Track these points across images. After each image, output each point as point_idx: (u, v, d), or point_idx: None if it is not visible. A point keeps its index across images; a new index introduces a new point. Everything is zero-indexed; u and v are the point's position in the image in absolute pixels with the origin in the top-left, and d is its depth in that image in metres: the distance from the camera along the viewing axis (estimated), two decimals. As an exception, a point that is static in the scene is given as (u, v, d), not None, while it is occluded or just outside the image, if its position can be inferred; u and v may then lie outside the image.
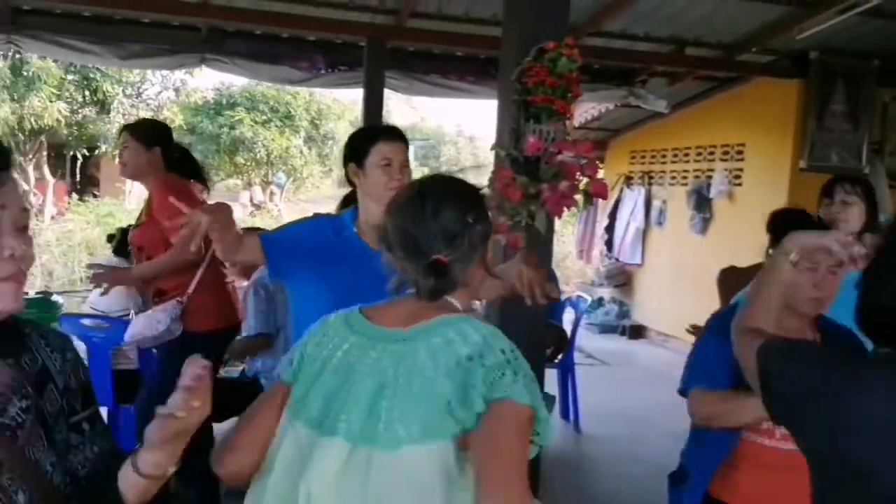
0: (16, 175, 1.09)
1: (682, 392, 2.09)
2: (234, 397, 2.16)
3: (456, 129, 33.70)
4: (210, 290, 3.27)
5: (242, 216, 15.41)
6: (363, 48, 5.85)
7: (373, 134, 2.27)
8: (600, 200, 3.49)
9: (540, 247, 2.82)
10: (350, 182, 2.29)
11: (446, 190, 1.46)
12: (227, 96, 19.63)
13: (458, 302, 1.41)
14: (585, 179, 2.81)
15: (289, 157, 19.78)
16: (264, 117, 19.37)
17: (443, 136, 31.66)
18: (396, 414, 1.27)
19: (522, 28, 2.94)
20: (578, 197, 2.87)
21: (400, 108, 24.93)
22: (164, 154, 3.26)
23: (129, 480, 1.10)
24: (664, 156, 8.46)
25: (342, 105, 20.93)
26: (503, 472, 1.19)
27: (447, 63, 6.34)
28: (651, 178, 8.62)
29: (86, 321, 3.70)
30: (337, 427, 1.31)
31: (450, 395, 1.26)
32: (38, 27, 5.51)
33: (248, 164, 19.70)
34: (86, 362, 3.62)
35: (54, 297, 5.09)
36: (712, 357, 1.95)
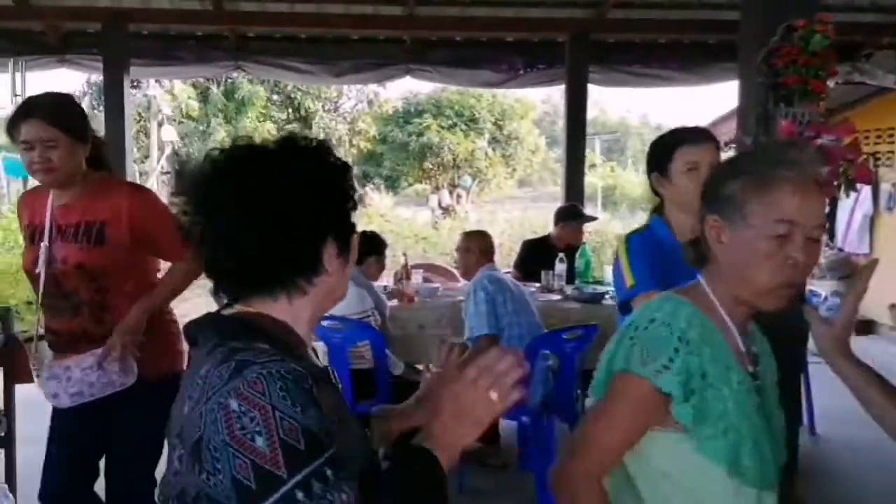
0: None
1: None
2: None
3: (641, 119, 32.70)
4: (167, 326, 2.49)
5: (431, 220, 15.82)
6: (563, 45, 5.81)
7: (675, 138, 2.07)
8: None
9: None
10: (656, 194, 2.11)
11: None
12: (415, 104, 20.33)
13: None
14: (845, 164, 2.58)
15: (474, 160, 20.13)
16: (450, 122, 19.85)
17: (627, 128, 30.83)
18: None
19: (766, 7, 2.77)
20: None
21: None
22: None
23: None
24: (892, 135, 7.73)
25: (525, 105, 21.00)
26: (573, 442, 1.33)
27: (649, 52, 6.16)
28: (878, 159, 7.90)
29: (325, 322, 3.91)
30: None
31: None
32: (261, 52, 5.96)
33: (436, 168, 20.27)
34: (325, 361, 3.79)
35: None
36: None
